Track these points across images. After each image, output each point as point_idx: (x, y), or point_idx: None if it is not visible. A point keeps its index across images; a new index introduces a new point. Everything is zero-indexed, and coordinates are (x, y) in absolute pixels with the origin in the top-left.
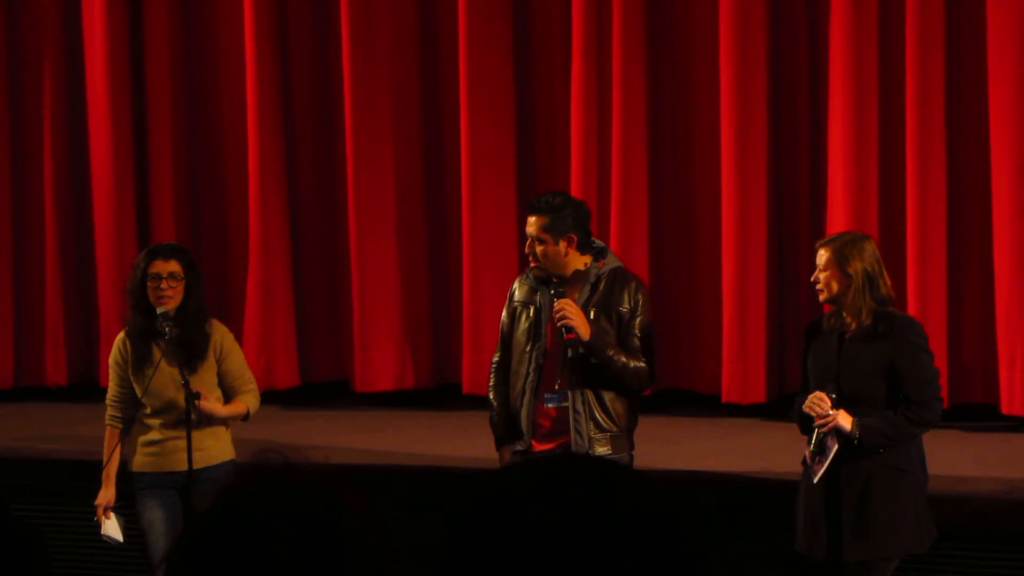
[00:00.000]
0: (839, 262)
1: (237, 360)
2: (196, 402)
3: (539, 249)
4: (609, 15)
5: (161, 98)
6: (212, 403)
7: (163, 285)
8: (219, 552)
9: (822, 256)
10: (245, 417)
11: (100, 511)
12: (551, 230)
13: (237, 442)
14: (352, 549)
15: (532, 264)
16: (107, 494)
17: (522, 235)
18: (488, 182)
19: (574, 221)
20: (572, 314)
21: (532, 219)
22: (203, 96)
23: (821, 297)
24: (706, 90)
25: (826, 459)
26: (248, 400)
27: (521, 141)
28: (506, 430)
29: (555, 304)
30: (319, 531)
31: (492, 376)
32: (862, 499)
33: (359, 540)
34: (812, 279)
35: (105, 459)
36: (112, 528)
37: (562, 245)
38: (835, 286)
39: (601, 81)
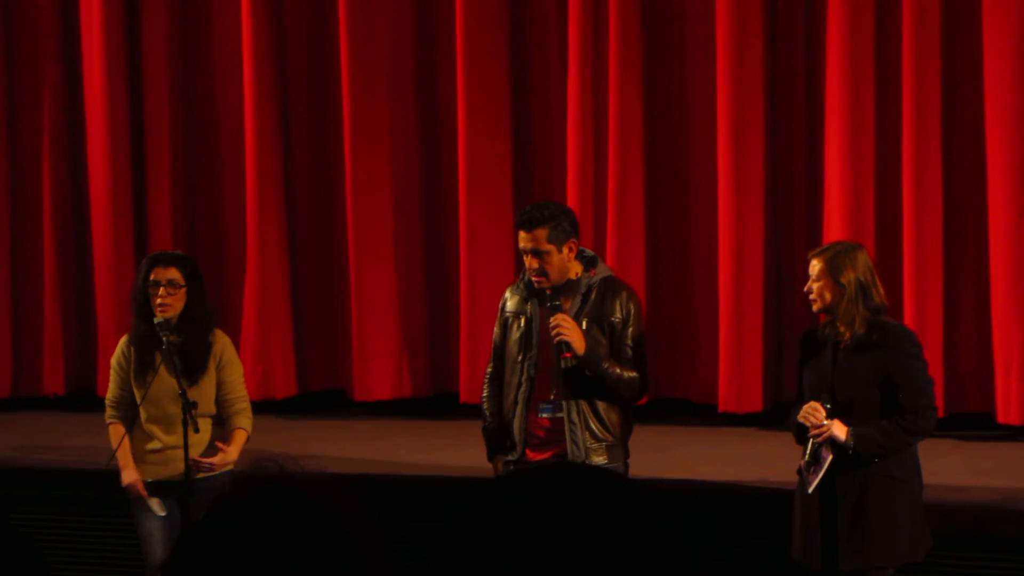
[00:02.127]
0: (832, 272)
1: (234, 373)
2: (208, 460)
3: (541, 263)
4: (606, 23)
5: (159, 105)
6: (225, 454)
7: (162, 292)
8: (214, 561)
9: (814, 266)
10: (247, 439)
11: (141, 489)
12: (555, 240)
13: None
14: (348, 558)
15: (536, 281)
16: (132, 474)
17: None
18: (485, 191)
19: (571, 227)
20: (568, 330)
21: (531, 234)
22: (201, 103)
23: (815, 307)
24: (703, 97)
25: (821, 469)
26: (243, 423)
27: (518, 149)
28: (498, 440)
29: (551, 320)
30: (315, 540)
31: (485, 387)
32: (858, 508)
33: (354, 549)
34: (805, 289)
35: (116, 447)
36: (156, 504)
37: (565, 252)
38: (828, 296)
39: (597, 89)
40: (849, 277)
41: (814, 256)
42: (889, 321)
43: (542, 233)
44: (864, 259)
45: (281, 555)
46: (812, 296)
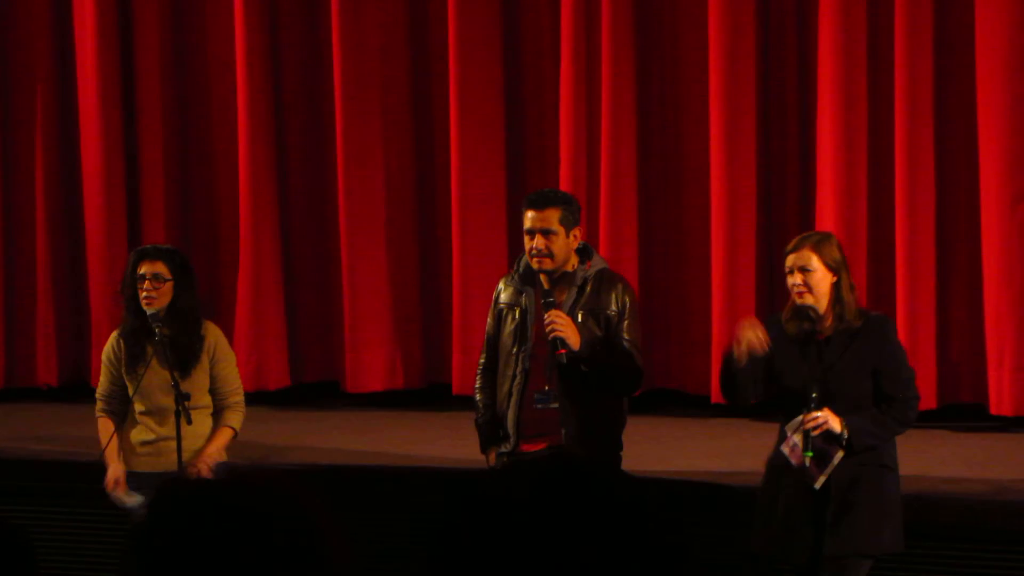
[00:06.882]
0: (829, 263)
1: (228, 366)
2: (198, 467)
3: (547, 242)
4: (598, 15)
5: (151, 98)
6: (209, 455)
7: (147, 286)
8: (163, 557)
9: (809, 258)
10: (234, 437)
11: (121, 489)
12: (565, 223)
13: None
14: (302, 551)
15: (538, 261)
16: (117, 469)
17: (512, 235)
18: (478, 183)
19: (577, 216)
20: (563, 327)
21: (542, 213)
22: (194, 95)
23: (806, 300)
24: (695, 88)
25: (828, 465)
26: (231, 419)
27: (510, 141)
28: (492, 432)
29: (546, 317)
30: (261, 532)
31: (478, 378)
32: (848, 496)
33: (308, 542)
34: (793, 282)
35: (104, 443)
36: (132, 499)
37: (571, 239)
38: (824, 287)
39: (590, 81)
40: (840, 267)
41: (801, 248)
42: (867, 309)
43: (554, 213)
44: (840, 247)
45: (228, 548)
46: (802, 289)
